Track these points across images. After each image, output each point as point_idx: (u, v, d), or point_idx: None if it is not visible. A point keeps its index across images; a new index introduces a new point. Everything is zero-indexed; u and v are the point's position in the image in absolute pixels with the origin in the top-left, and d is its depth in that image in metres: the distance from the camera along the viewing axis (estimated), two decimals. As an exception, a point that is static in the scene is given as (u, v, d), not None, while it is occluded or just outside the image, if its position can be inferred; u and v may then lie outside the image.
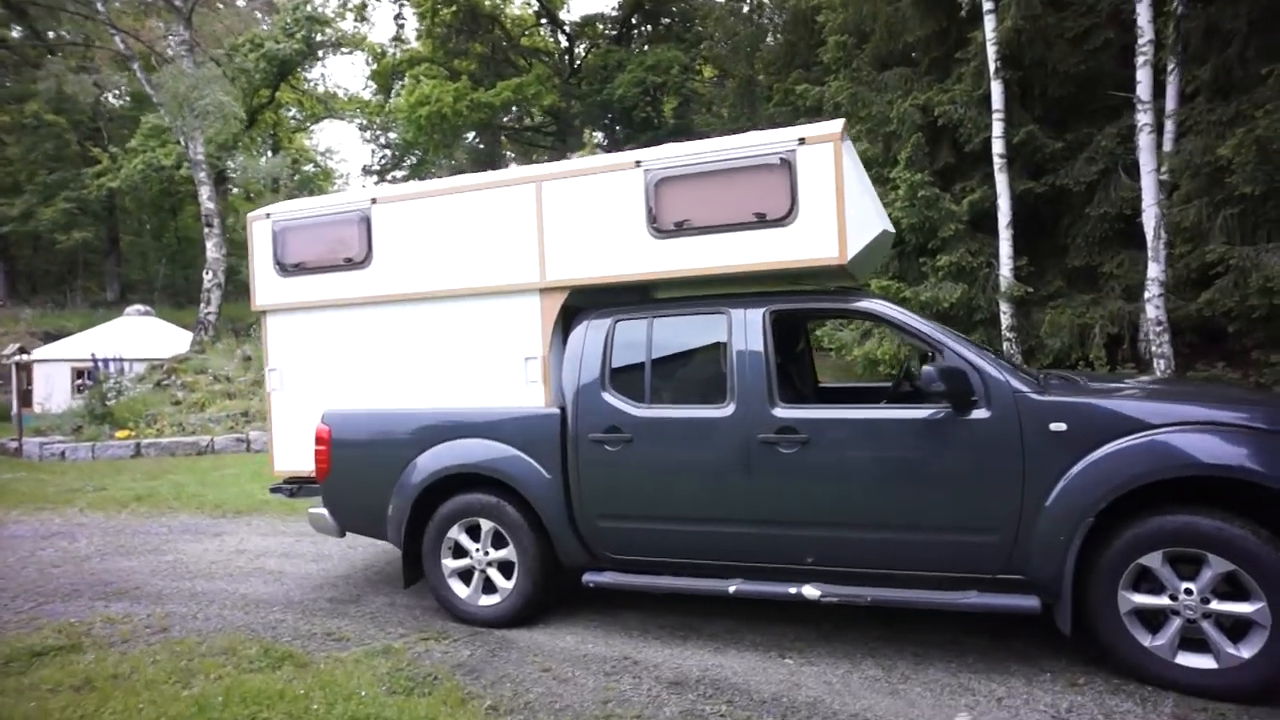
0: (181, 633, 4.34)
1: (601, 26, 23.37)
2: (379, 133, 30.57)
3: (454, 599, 4.36)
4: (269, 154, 21.70)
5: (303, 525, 6.96)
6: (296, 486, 5.03)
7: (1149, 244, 9.29)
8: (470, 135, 23.83)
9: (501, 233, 4.37)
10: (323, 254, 4.83)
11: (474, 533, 4.35)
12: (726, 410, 3.83)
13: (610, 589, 4.04)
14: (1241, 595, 3.07)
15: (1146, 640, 3.22)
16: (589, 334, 4.22)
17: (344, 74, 59.56)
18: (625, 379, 4.10)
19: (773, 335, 3.87)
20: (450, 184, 4.60)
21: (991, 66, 11.64)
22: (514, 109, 20.99)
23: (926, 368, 3.40)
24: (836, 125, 3.78)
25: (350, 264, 4.75)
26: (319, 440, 4.63)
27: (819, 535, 3.68)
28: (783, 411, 3.73)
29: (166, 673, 3.72)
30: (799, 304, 3.98)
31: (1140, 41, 9.03)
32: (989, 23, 11.63)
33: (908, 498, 3.52)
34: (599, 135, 16.37)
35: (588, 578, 4.09)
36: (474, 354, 4.48)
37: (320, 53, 24.88)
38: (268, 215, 4.99)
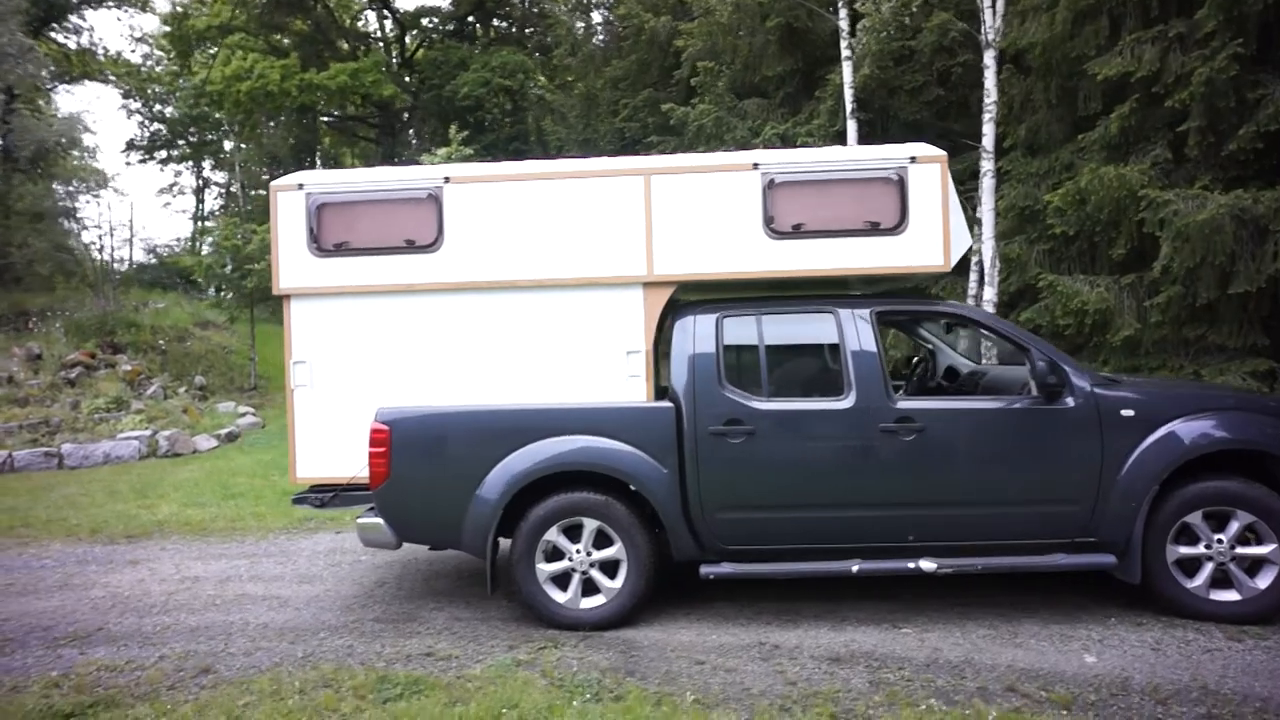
0: (233, 671, 3.66)
1: (436, 20, 22.35)
2: (151, 103, 26.38)
3: (551, 604, 4.14)
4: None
5: (235, 545, 6.04)
6: (329, 495, 4.43)
7: (985, 270, 11.06)
8: (277, 120, 21.50)
9: (603, 223, 4.28)
10: (375, 234, 4.36)
11: (571, 534, 4.18)
12: (846, 402, 4.11)
13: (727, 579, 4.11)
14: (1258, 541, 3.97)
15: (1187, 583, 4.03)
16: (697, 329, 4.27)
17: (108, 31, 50.35)
18: (741, 373, 4.22)
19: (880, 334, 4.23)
20: (543, 168, 4.40)
21: (848, 107, 13.10)
22: (347, 95, 19.35)
23: (1040, 363, 3.96)
24: (938, 150, 4.25)
25: (414, 247, 4.33)
26: (376, 442, 4.15)
27: (927, 514, 4.09)
28: (902, 403, 4.10)
29: (291, 714, 3.15)
30: (900, 305, 4.38)
31: (987, 101, 10.77)
32: (847, 69, 13.08)
33: (1007, 476, 4.05)
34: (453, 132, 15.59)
35: (706, 570, 4.12)
36: (563, 347, 4.32)
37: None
38: (300, 186, 4.38)
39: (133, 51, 31.92)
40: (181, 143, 27.88)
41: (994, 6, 10.59)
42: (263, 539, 6.26)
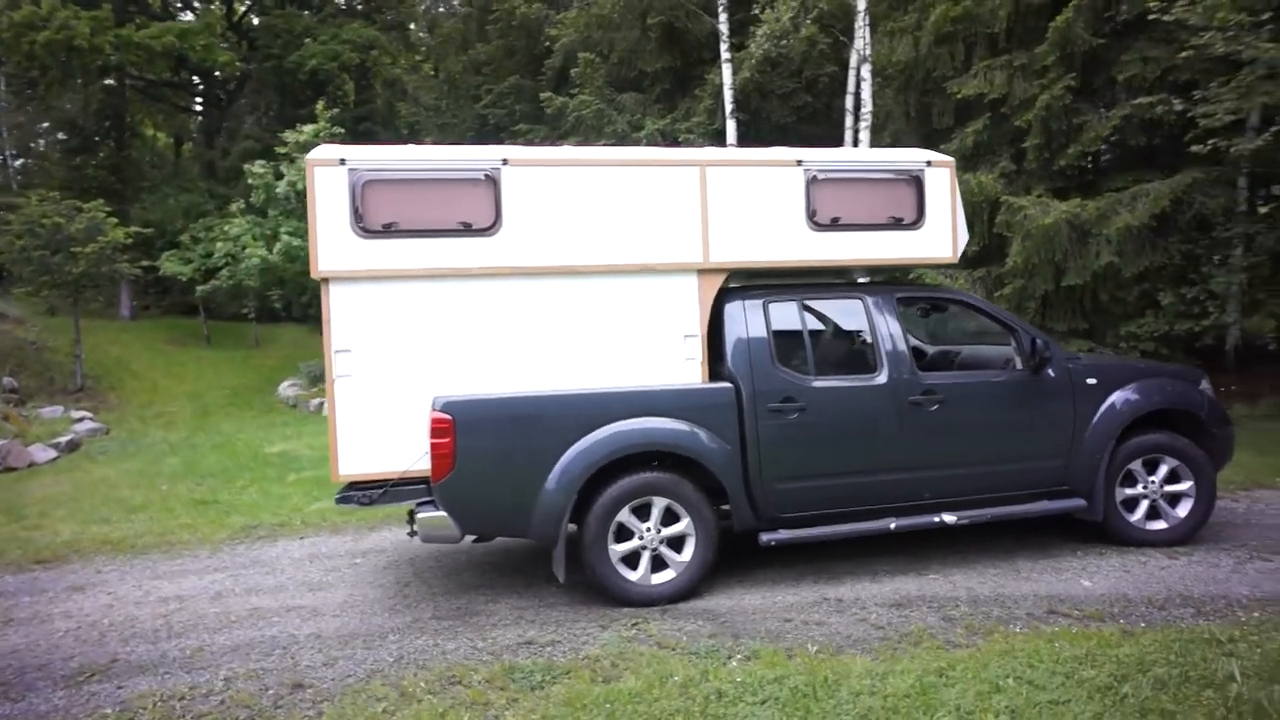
0: (329, 683, 3.40)
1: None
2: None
3: (624, 583, 4.25)
4: None
5: (190, 560, 5.42)
6: (378, 492, 4.19)
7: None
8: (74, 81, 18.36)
9: (661, 211, 4.41)
10: (428, 215, 4.17)
11: (639, 513, 4.30)
12: (880, 378, 4.60)
13: (786, 544, 4.44)
14: (1177, 480, 4.99)
15: (1131, 517, 4.97)
16: (748, 314, 4.55)
17: None
18: (790, 354, 4.56)
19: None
20: (603, 155, 4.46)
21: (728, 107, 13.89)
22: (172, 59, 16.84)
23: (1038, 340, 4.68)
24: (948, 157, 4.84)
25: (469, 230, 4.20)
26: (438, 433, 4.01)
27: (944, 474, 4.69)
28: (925, 378, 4.66)
29: (443, 714, 3.03)
30: (916, 293, 4.94)
31: (864, 111, 11.93)
32: (727, 71, 13.84)
33: (1006, 438, 4.76)
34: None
35: (766, 538, 4.42)
36: (621, 331, 4.41)
37: None
38: (341, 161, 4.08)
39: None
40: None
41: (868, 25, 11.73)
42: (217, 551, 5.65)
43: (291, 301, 18.91)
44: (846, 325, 4.79)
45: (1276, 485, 6.52)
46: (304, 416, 12.55)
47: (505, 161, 4.24)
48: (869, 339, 4.67)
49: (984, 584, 4.43)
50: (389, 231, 4.12)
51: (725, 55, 13.73)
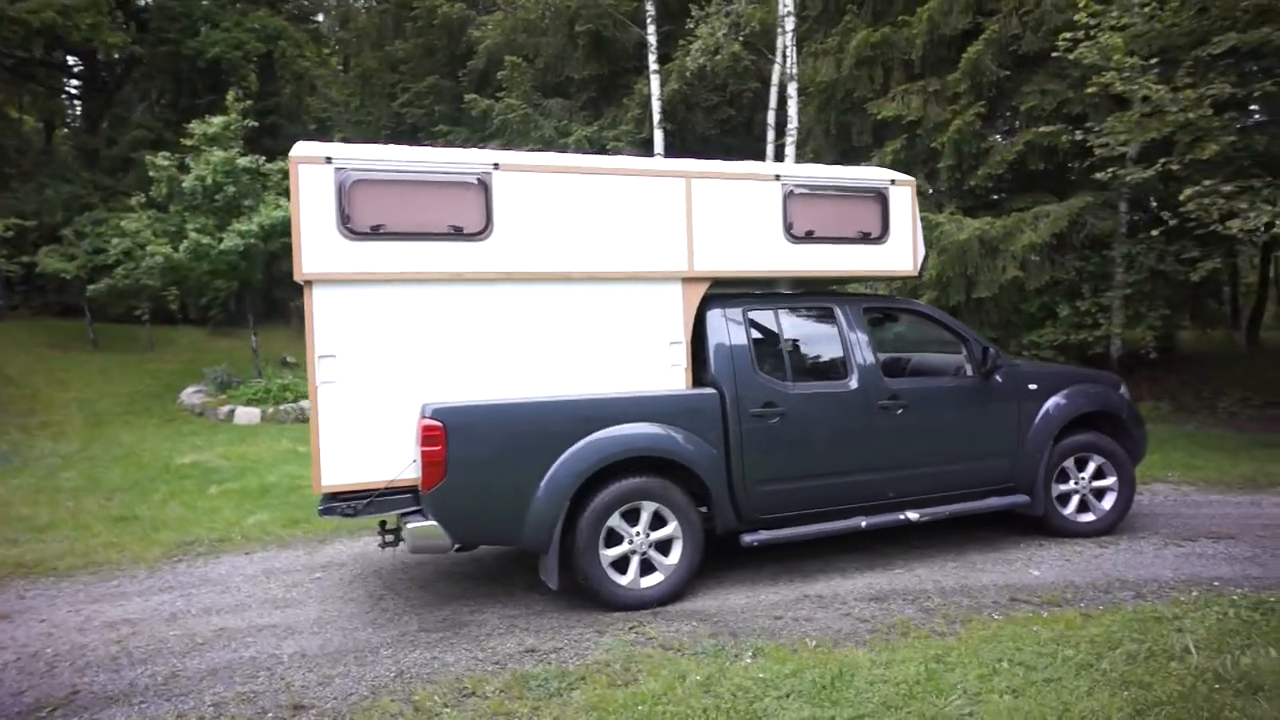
0: (333, 703, 3.26)
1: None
2: None
3: (616, 588, 4.28)
4: None
5: (128, 581, 5.04)
6: (362, 502, 4.04)
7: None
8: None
9: (649, 220, 4.49)
10: (417, 218, 4.08)
11: (628, 518, 4.34)
12: (851, 384, 4.84)
13: (767, 545, 4.59)
14: (1103, 476, 5.50)
15: (1065, 511, 5.43)
16: (730, 322, 4.69)
17: None
18: (768, 361, 4.73)
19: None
20: (593, 163, 4.47)
21: (656, 117, 14.12)
22: (51, 36, 15.25)
23: (990, 349, 5.05)
24: (909, 176, 5.15)
25: (460, 234, 4.14)
26: (429, 440, 3.94)
27: (907, 474, 4.98)
28: (891, 384, 4.93)
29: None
30: (879, 304, 5.23)
31: (790, 126, 12.38)
32: (655, 81, 14.08)
33: (962, 439, 5.10)
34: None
35: (748, 539, 4.56)
36: (608, 338, 4.45)
37: None
38: (327, 159, 3.93)
39: None
40: None
41: (794, 46, 12.21)
42: (156, 570, 5.26)
43: (188, 303, 17.73)
44: (820, 333, 5.01)
45: (1168, 479, 7.26)
46: (213, 425, 11.78)
47: (497, 166, 4.20)
48: (841, 346, 4.91)
49: (946, 576, 4.73)
50: (377, 234, 4.00)
51: (654, 67, 13.95)
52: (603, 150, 14.48)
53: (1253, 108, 9.48)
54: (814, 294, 5.16)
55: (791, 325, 4.90)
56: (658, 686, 3.23)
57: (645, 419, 4.36)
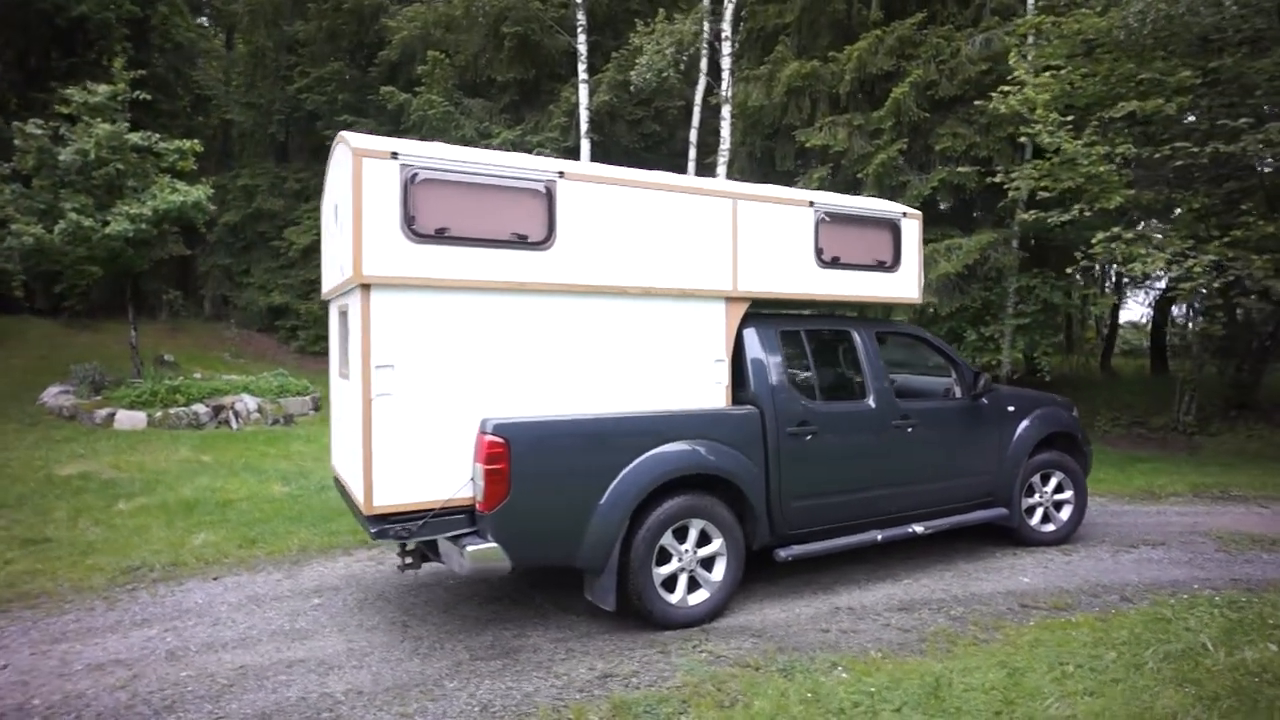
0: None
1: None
2: None
3: (666, 606, 4.24)
4: None
5: (101, 616, 4.40)
6: (418, 523, 3.75)
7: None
8: None
9: (699, 238, 4.50)
10: (481, 223, 3.87)
11: (678, 535, 4.32)
12: (870, 404, 5.07)
13: (799, 558, 4.70)
14: (1062, 490, 6.07)
15: (1032, 522, 5.96)
16: (765, 341, 4.78)
17: None
18: (800, 379, 4.86)
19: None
20: (650, 178, 4.41)
21: (584, 127, 14.12)
22: None
23: (981, 374, 5.45)
24: (917, 211, 5.48)
25: (523, 242, 3.97)
26: (491, 459, 3.75)
27: (915, 489, 5.28)
28: (903, 404, 5.21)
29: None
30: (885, 328, 5.50)
31: (722, 148, 12.74)
32: (584, 91, 14.08)
33: (959, 456, 5.48)
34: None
35: (783, 554, 4.65)
36: (659, 354, 4.42)
37: None
38: (394, 155, 3.65)
39: None
40: None
41: (730, 71, 12.61)
42: (114, 601, 4.61)
43: (35, 290, 15.64)
44: (841, 355, 5.21)
45: (1095, 493, 8.10)
46: (90, 431, 10.42)
47: (561, 174, 4.06)
48: (861, 367, 5.13)
49: (951, 586, 5.05)
50: (441, 237, 3.75)
51: (583, 76, 13.92)
52: (527, 153, 14.23)
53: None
54: (833, 317, 5.37)
55: (817, 346, 5.07)
56: (769, 706, 3.24)
57: (699, 436, 4.36)
